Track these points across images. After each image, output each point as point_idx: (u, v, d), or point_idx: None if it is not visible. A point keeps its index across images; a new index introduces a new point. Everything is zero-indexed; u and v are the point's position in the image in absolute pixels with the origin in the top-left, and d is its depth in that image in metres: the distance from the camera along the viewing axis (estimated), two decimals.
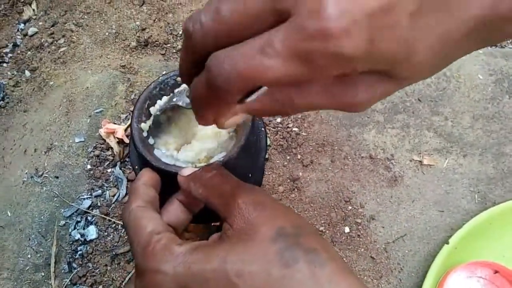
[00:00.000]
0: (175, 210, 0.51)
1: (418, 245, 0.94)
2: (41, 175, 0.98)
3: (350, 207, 0.97)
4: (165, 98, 0.64)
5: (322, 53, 0.23)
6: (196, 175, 0.49)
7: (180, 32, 1.10)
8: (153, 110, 0.64)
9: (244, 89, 0.27)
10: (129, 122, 1.02)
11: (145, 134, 0.63)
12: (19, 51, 1.20)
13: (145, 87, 0.65)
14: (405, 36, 0.24)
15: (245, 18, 0.26)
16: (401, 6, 0.23)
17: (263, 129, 0.73)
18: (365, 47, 0.23)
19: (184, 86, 0.63)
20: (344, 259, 0.92)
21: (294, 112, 0.31)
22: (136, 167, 0.67)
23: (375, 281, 0.91)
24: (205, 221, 0.94)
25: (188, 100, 0.59)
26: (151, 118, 0.63)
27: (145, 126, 0.63)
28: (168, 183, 0.62)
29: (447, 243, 0.90)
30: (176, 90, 0.63)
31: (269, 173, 0.99)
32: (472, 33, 0.27)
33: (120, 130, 0.98)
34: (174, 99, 0.62)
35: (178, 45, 1.10)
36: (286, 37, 0.24)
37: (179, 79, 0.66)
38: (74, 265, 0.92)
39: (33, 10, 1.26)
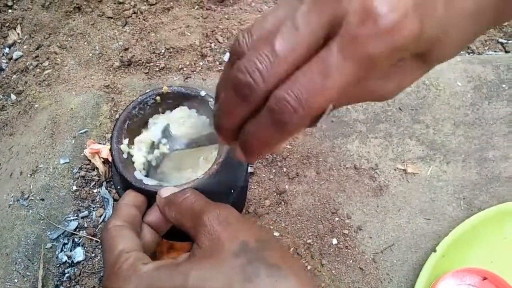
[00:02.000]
0: (144, 232, 0.52)
1: (406, 254, 0.94)
2: (27, 198, 0.98)
3: (337, 218, 0.97)
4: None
5: (381, 49, 0.24)
6: (170, 200, 0.50)
7: (163, 50, 1.12)
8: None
9: (317, 115, 0.28)
10: None
11: (125, 155, 0.63)
12: (4, 75, 1.21)
13: (124, 108, 0.66)
14: (441, 19, 0.27)
15: (302, 48, 0.26)
16: None
17: None
18: (416, 33, 0.25)
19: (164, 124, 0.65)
20: (333, 271, 0.92)
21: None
22: (118, 187, 0.68)
23: None
24: (189, 241, 0.94)
25: (181, 142, 0.63)
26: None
27: (124, 147, 0.63)
28: (149, 203, 0.63)
29: (435, 251, 0.90)
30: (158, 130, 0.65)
31: (255, 187, 1.00)
32: (492, 10, 0.29)
33: (105, 150, 0.98)
34: (168, 147, 0.64)
35: (161, 63, 1.11)
36: (341, 48, 0.25)
37: (158, 98, 0.66)
38: (62, 287, 0.91)
39: (18, 34, 1.27)
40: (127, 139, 0.65)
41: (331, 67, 0.25)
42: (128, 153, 0.64)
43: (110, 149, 0.63)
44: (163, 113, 0.69)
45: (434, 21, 0.26)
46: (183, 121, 0.66)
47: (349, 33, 0.24)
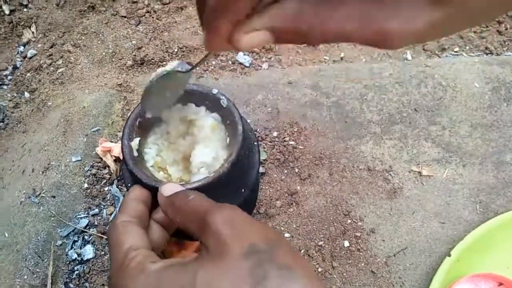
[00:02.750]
0: (153, 230, 0.51)
1: (420, 258, 0.92)
2: (38, 195, 0.98)
3: (349, 221, 0.96)
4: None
5: None
6: (172, 201, 0.48)
7: (176, 49, 1.11)
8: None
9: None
10: None
11: (135, 153, 0.63)
12: (18, 73, 1.22)
13: (136, 106, 0.66)
14: None
15: None
16: None
17: (256, 143, 0.73)
18: None
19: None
20: (344, 274, 0.91)
21: (319, 40, 0.27)
22: (129, 184, 0.67)
23: None
24: (196, 240, 0.93)
25: (186, 66, 0.57)
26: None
27: (134, 144, 0.63)
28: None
29: (449, 255, 0.88)
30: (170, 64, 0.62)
31: (267, 187, 0.99)
32: None
33: (116, 148, 0.98)
34: (171, 67, 0.60)
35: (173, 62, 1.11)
36: None
37: None
38: (71, 285, 0.91)
39: (33, 32, 1.28)
40: (139, 138, 0.64)
41: None
42: (139, 151, 0.64)
43: (121, 145, 0.63)
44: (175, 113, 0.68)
45: None
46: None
47: None
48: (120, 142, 1.02)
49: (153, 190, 0.58)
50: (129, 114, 0.65)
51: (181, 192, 0.49)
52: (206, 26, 0.29)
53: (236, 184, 0.66)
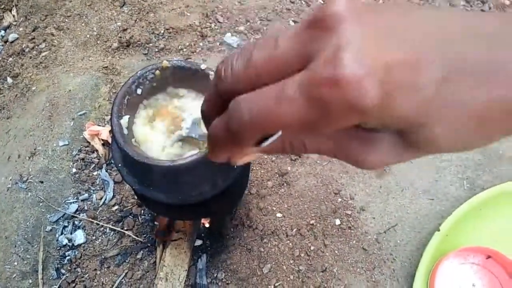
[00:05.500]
0: None
1: (410, 235, 0.94)
2: (26, 180, 0.96)
3: (340, 199, 0.97)
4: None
5: (333, 100, 0.22)
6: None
7: (162, 31, 1.09)
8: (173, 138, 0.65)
9: (260, 135, 0.26)
10: None
11: (125, 131, 0.62)
12: (0, 58, 1.19)
13: (124, 83, 0.65)
14: (427, 101, 0.22)
15: (275, 65, 0.25)
16: (428, 68, 0.22)
17: None
18: (379, 101, 0.22)
19: (196, 117, 0.64)
20: (336, 251, 0.92)
21: (304, 153, 0.30)
22: (120, 164, 0.66)
23: (368, 272, 0.91)
24: (193, 219, 0.93)
25: (200, 132, 0.62)
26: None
27: (124, 122, 0.62)
28: (152, 176, 0.62)
29: (438, 230, 0.90)
30: (191, 121, 0.64)
31: (257, 168, 0.99)
32: None
33: (104, 132, 0.97)
34: (187, 131, 0.63)
35: (160, 44, 1.09)
36: (300, 83, 0.23)
37: (157, 72, 0.65)
38: (63, 271, 0.90)
39: (13, 16, 1.25)
40: (128, 116, 0.63)
41: (285, 96, 0.24)
42: (128, 128, 0.63)
43: (110, 124, 0.61)
44: (162, 89, 0.68)
45: (413, 99, 0.23)
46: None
47: (310, 71, 0.23)
48: (108, 126, 1.01)
49: (144, 167, 0.57)
50: (117, 92, 0.64)
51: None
52: (208, 147, 0.31)
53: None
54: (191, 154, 0.59)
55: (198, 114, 0.65)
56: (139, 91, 0.64)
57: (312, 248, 0.92)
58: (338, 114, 0.23)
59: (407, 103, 0.22)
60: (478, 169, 1.00)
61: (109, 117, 1.02)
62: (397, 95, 0.22)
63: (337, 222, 0.94)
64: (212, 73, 0.63)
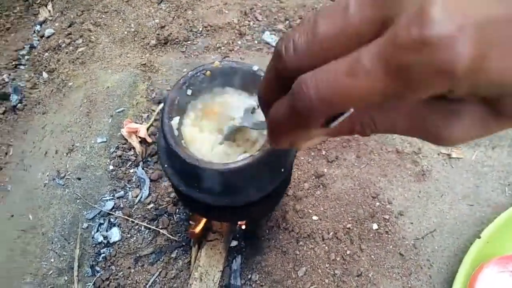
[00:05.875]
0: None
1: (448, 241, 0.92)
2: (63, 177, 0.97)
3: (377, 203, 0.95)
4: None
5: (420, 66, 0.19)
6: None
7: (200, 29, 1.09)
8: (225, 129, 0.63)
9: (329, 114, 0.24)
10: (150, 121, 1.01)
11: (175, 132, 0.61)
12: (36, 53, 1.20)
13: (175, 83, 0.64)
14: None
15: (345, 36, 0.23)
16: None
17: None
18: (471, 63, 0.19)
19: (249, 106, 0.61)
20: (372, 256, 0.90)
21: (373, 133, 0.27)
22: (166, 165, 0.66)
23: (404, 278, 0.89)
24: (236, 221, 0.93)
25: (254, 120, 0.59)
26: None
27: (175, 123, 0.61)
28: (201, 179, 0.61)
29: (479, 237, 0.87)
30: (243, 110, 0.62)
31: (294, 170, 0.98)
32: None
33: (142, 129, 0.97)
34: (240, 121, 0.60)
35: (198, 41, 1.08)
36: (378, 51, 0.21)
37: (208, 73, 0.64)
38: (97, 268, 0.91)
39: (49, 11, 1.25)
40: (178, 117, 0.63)
41: (360, 68, 0.21)
42: (178, 129, 0.62)
43: (161, 124, 0.61)
44: (211, 89, 0.67)
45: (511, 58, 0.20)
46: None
47: (391, 36, 0.20)
48: (145, 123, 1.01)
49: (195, 169, 0.56)
50: (168, 92, 0.63)
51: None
52: (269, 134, 0.29)
53: (278, 163, 0.65)
54: (242, 156, 0.58)
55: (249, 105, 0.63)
56: (189, 92, 0.63)
57: (348, 252, 0.90)
58: (424, 82, 0.20)
59: (503, 65, 0.20)
60: None
61: (146, 114, 1.02)
62: (493, 56, 0.19)
63: (375, 226, 0.93)
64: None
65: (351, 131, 0.27)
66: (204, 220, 0.87)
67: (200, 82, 0.65)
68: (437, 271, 0.90)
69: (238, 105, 0.66)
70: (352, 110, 0.23)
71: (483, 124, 0.24)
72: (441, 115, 0.24)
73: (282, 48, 0.25)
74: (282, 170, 0.66)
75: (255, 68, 0.63)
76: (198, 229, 0.88)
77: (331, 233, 0.92)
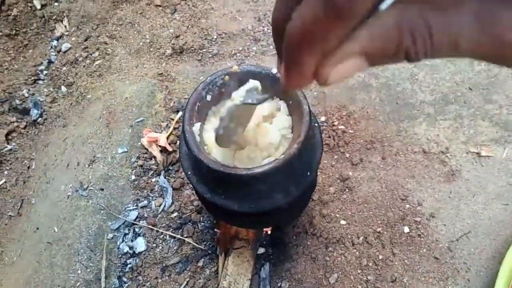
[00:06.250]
0: None
1: (484, 242, 0.88)
2: (86, 188, 0.96)
3: (407, 206, 0.92)
4: (229, 102, 0.60)
5: None
6: None
7: (215, 36, 1.08)
8: (221, 110, 0.61)
9: (370, 3, 0.19)
10: (170, 130, 1.00)
11: (197, 138, 0.59)
12: (54, 68, 1.21)
13: (194, 89, 0.63)
14: None
15: None
16: None
17: (316, 124, 0.69)
18: None
19: (251, 86, 0.59)
20: (406, 261, 0.87)
21: (424, 54, 0.21)
22: (189, 172, 0.64)
23: (441, 282, 0.85)
24: (262, 227, 0.91)
25: (258, 96, 0.52)
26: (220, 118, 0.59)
27: (196, 129, 0.60)
28: (226, 185, 0.59)
29: None
30: (244, 88, 0.58)
31: (318, 173, 0.95)
32: None
33: (162, 138, 0.96)
34: (242, 99, 0.58)
35: (213, 49, 1.08)
36: None
37: (226, 77, 0.63)
38: (124, 279, 0.89)
39: (65, 26, 1.26)
40: (199, 123, 0.61)
41: None
42: (200, 136, 0.61)
43: (182, 131, 0.59)
44: (229, 95, 0.65)
45: None
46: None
47: None
48: (165, 132, 1.00)
49: (219, 175, 0.55)
50: (188, 99, 0.62)
51: None
52: (286, 60, 0.23)
53: (303, 167, 0.63)
54: (266, 160, 0.56)
55: (253, 84, 0.58)
56: (208, 97, 0.62)
57: (380, 257, 0.87)
58: None
59: None
60: None
61: (165, 123, 1.01)
62: None
63: (406, 229, 0.90)
64: None
65: (398, 49, 0.21)
66: (230, 227, 0.85)
67: (218, 88, 0.64)
68: (475, 275, 0.86)
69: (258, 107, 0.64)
70: None
71: None
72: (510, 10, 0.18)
73: None
74: (308, 173, 0.64)
75: (274, 71, 0.62)
76: (225, 237, 0.87)
77: (361, 238, 0.89)
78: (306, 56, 0.22)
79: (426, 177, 0.94)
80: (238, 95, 0.53)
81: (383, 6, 0.20)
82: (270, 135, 0.62)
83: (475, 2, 0.19)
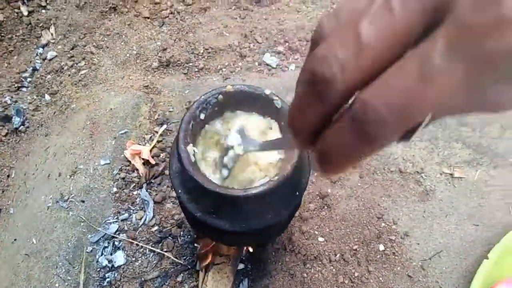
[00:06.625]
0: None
1: (456, 261, 0.92)
2: (67, 199, 0.96)
3: (383, 224, 0.95)
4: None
5: (497, 49, 0.17)
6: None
7: (202, 51, 1.10)
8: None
9: (408, 127, 0.21)
10: (153, 143, 1.00)
11: (192, 158, 0.60)
12: (38, 75, 1.20)
13: (187, 108, 0.64)
14: None
15: (395, 37, 0.20)
16: None
17: None
18: None
19: (241, 129, 0.59)
20: (381, 278, 0.89)
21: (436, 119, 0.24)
22: (180, 191, 0.65)
23: None
24: (248, 245, 0.92)
25: (258, 142, 0.56)
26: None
27: (191, 148, 0.61)
28: (219, 204, 0.60)
29: (487, 258, 0.87)
30: (234, 132, 0.60)
31: None
32: None
33: (145, 151, 0.97)
34: (242, 148, 0.58)
35: (200, 63, 1.09)
36: (446, 43, 0.18)
37: (220, 97, 0.64)
38: None
39: (52, 34, 1.26)
40: (191, 144, 0.62)
41: (433, 68, 0.19)
42: (194, 155, 0.62)
43: (177, 150, 0.60)
44: (221, 114, 0.67)
45: None
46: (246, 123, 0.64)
47: (461, 22, 0.18)
48: (148, 145, 1.01)
49: (212, 195, 0.56)
50: (182, 117, 0.63)
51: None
52: (324, 163, 0.26)
53: (294, 187, 0.65)
54: (262, 181, 0.58)
55: (239, 127, 0.60)
56: (202, 116, 0.63)
57: (356, 274, 0.90)
58: (501, 64, 0.18)
59: None
60: None
61: (149, 136, 1.02)
62: None
63: (381, 247, 0.92)
64: (277, 98, 0.62)
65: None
66: (212, 244, 0.86)
67: (212, 106, 0.65)
68: None
69: (252, 127, 0.66)
70: (430, 116, 0.21)
71: None
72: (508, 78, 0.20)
73: (322, 69, 0.22)
74: (297, 193, 0.66)
75: (268, 91, 0.64)
76: (207, 252, 0.87)
77: (338, 255, 0.91)
78: (341, 166, 0.24)
79: (401, 196, 0.97)
80: (235, 143, 0.57)
81: (419, 131, 0.22)
82: (268, 156, 0.64)
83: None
